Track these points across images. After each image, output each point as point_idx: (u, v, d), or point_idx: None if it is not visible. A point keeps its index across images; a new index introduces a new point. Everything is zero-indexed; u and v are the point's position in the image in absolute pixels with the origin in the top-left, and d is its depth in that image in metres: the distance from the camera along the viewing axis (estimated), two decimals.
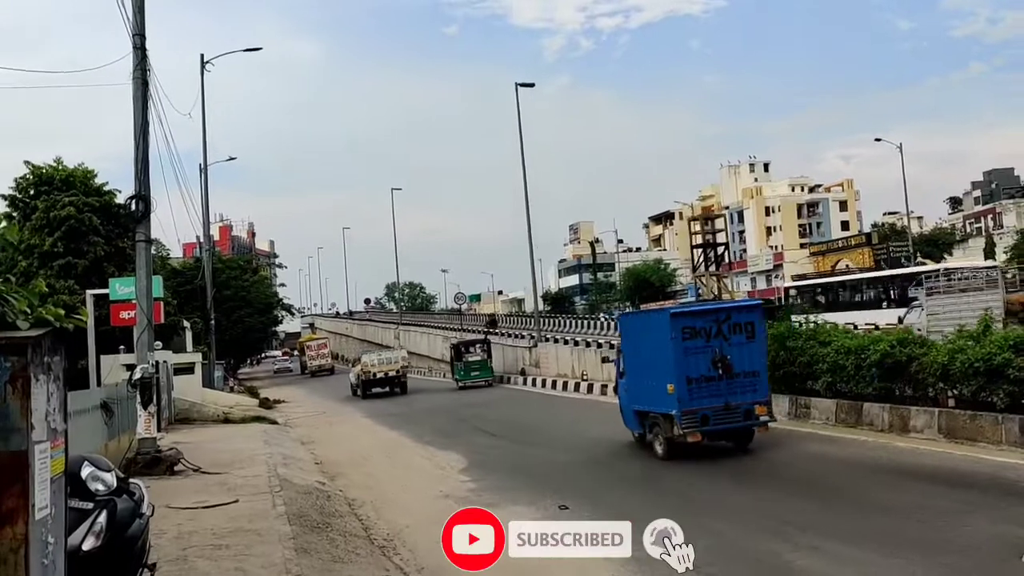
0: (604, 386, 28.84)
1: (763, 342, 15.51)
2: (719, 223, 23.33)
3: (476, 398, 32.16)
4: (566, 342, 36.60)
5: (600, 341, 32.91)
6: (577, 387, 31.14)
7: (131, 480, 6.49)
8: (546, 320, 54.92)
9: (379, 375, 39.42)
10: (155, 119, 15.89)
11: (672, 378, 14.90)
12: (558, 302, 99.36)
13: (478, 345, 40.24)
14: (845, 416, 16.34)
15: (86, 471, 5.71)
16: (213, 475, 14.71)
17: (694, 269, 23.49)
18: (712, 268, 22.36)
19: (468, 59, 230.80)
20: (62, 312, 4.40)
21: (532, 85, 38.48)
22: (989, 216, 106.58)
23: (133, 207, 14.84)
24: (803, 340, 17.78)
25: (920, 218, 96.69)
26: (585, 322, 53.45)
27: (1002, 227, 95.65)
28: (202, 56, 36.54)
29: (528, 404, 28.67)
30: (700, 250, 22.52)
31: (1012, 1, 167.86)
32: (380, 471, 16.50)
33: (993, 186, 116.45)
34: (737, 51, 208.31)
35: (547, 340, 38.80)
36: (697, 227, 22.80)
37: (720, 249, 22.53)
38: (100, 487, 5.71)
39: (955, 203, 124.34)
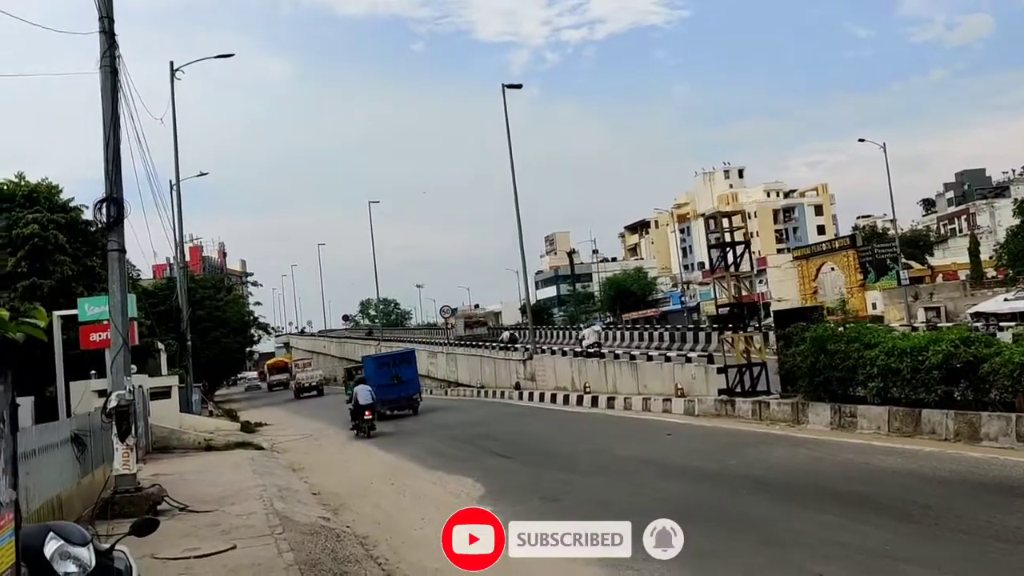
0: (611, 398, 27.21)
1: (415, 365, 36.17)
2: (737, 220, 21.71)
3: (472, 414, 30.54)
4: (564, 353, 35.05)
5: (603, 351, 31.38)
6: (580, 400, 29.43)
7: (117, 548, 4.78)
8: (523, 332, 53.90)
9: (306, 384, 61.85)
10: (126, 117, 14.11)
11: (374, 385, 29.56)
12: (536, 314, 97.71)
13: (356, 370, 48.82)
14: (900, 425, 14.84)
15: (51, 547, 4.02)
16: (202, 514, 12.97)
17: (712, 271, 21.96)
18: (732, 269, 20.81)
19: (436, 75, 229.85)
20: (5, 314, 2.73)
21: (519, 86, 37.17)
22: (963, 217, 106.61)
23: (104, 212, 13.04)
24: (845, 343, 16.30)
25: (894, 220, 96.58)
26: (572, 333, 52.16)
27: (978, 227, 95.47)
28: (171, 63, 34.56)
29: (532, 420, 26.91)
30: (717, 251, 20.91)
31: (966, 6, 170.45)
32: (387, 502, 14.73)
33: (965, 187, 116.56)
34: (702, 60, 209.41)
35: (543, 352, 37.16)
36: (713, 225, 21.25)
37: (740, 248, 20.94)
38: (72, 568, 4.03)
39: (928, 205, 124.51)
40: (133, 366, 16.83)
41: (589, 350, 34.32)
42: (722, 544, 9.15)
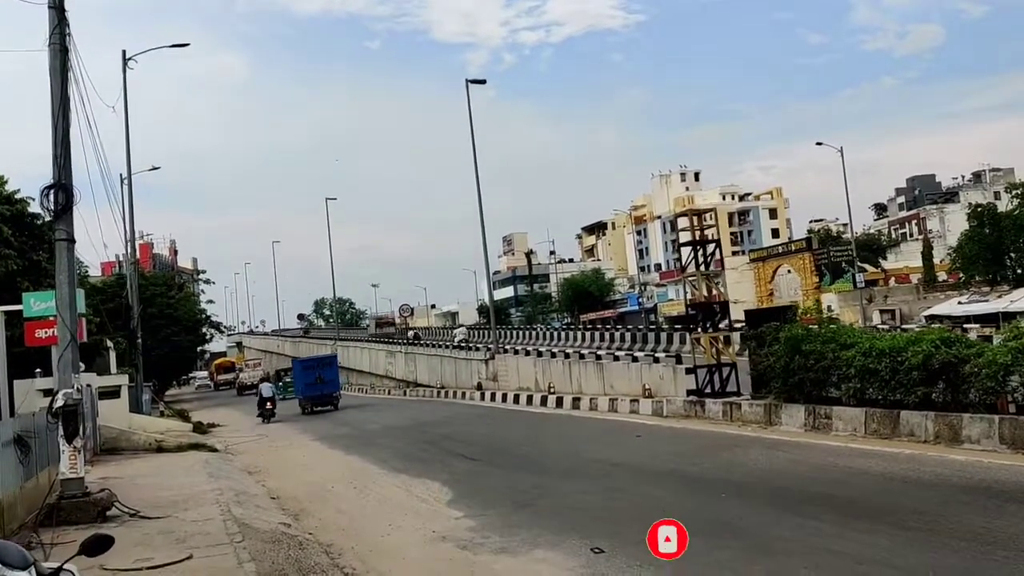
0: (576, 399, 26.76)
1: (336, 368, 41.36)
2: (708, 219, 21.37)
3: (435, 415, 29.89)
4: (527, 353, 34.51)
5: (567, 351, 30.90)
6: (544, 401, 28.91)
7: (65, 568, 4.16)
8: (481, 332, 54.00)
9: (248, 383, 63.08)
10: (76, 101, 13.31)
11: (301, 384, 39.07)
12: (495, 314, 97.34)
13: (286, 371, 54.86)
14: (877, 427, 14.56)
15: None
16: (155, 520, 12.27)
17: (683, 269, 21.66)
18: (703, 268, 20.48)
19: (393, 74, 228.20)
20: None
21: (483, 82, 36.54)
22: (913, 222, 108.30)
23: (52, 199, 12.24)
24: (821, 343, 16.02)
25: (845, 224, 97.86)
26: (532, 333, 51.80)
27: (929, 232, 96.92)
28: (124, 52, 33.43)
29: (497, 421, 26.36)
30: (689, 249, 20.58)
31: (916, 15, 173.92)
32: (351, 507, 14.08)
33: (916, 192, 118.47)
34: (658, 64, 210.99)
35: (506, 352, 36.63)
36: (685, 223, 20.91)
37: (710, 247, 20.64)
38: None
39: (880, 209, 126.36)
40: (81, 364, 16.00)
41: (460, 344, 45.94)
42: (706, 553, 8.53)
